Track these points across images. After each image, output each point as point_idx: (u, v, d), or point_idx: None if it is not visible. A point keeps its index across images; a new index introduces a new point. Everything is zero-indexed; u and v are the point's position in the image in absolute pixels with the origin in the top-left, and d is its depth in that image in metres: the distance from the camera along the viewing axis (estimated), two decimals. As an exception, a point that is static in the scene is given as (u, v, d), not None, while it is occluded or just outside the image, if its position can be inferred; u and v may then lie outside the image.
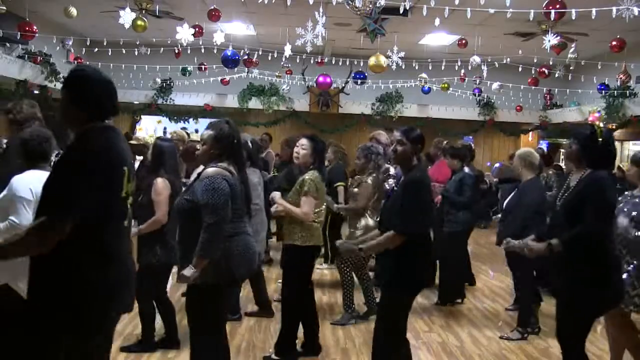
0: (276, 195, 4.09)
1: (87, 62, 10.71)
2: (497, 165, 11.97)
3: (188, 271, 2.86)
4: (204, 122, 12.87)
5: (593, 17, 5.37)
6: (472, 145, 6.66)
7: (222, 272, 2.95)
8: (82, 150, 2.06)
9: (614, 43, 7.47)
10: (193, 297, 3.06)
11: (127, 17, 7.11)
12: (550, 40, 6.82)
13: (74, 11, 7.54)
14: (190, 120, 12.69)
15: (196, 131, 12.49)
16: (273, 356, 4.06)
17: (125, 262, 2.27)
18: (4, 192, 2.98)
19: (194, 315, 3.07)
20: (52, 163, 3.40)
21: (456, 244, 5.73)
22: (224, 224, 2.90)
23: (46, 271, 2.06)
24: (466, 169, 5.78)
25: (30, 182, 2.98)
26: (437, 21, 6.21)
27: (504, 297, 6.21)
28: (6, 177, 3.54)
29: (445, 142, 6.72)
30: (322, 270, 6.89)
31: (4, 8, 6.95)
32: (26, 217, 2.89)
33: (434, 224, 6.34)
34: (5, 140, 5.01)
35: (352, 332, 4.74)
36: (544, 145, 11.94)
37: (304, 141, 4.08)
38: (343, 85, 11.94)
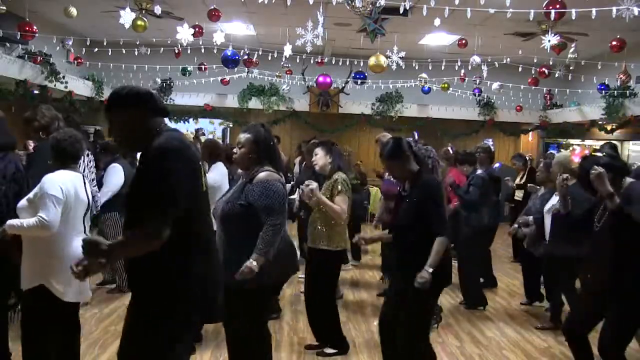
0: (314, 185, 3.96)
1: (87, 62, 10.74)
2: (497, 165, 11.98)
3: (251, 263, 2.85)
4: (203, 122, 12.89)
5: (593, 17, 5.36)
6: (492, 147, 6.54)
7: (275, 272, 2.99)
8: (167, 151, 2.13)
9: (614, 43, 7.46)
10: (242, 300, 2.99)
11: (127, 17, 7.09)
12: (550, 40, 6.82)
13: (74, 11, 7.53)
14: (190, 120, 12.69)
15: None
16: (327, 350, 4.18)
17: (216, 255, 2.40)
18: (35, 190, 3.03)
19: (244, 319, 3.04)
20: (80, 165, 3.44)
21: (471, 246, 5.67)
22: (283, 226, 2.97)
23: (142, 263, 2.16)
24: (478, 171, 5.79)
25: (61, 181, 3.04)
26: (437, 21, 6.20)
27: (504, 297, 6.21)
28: (34, 179, 3.57)
29: (449, 149, 6.70)
30: (351, 270, 6.97)
31: (4, 8, 6.94)
32: (55, 214, 2.95)
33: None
34: (33, 144, 5.04)
35: (352, 333, 4.74)
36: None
37: (317, 149, 4.25)
38: (343, 85, 11.93)
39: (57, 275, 2.99)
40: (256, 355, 3.15)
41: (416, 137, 8.30)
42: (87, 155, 4.82)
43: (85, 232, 3.22)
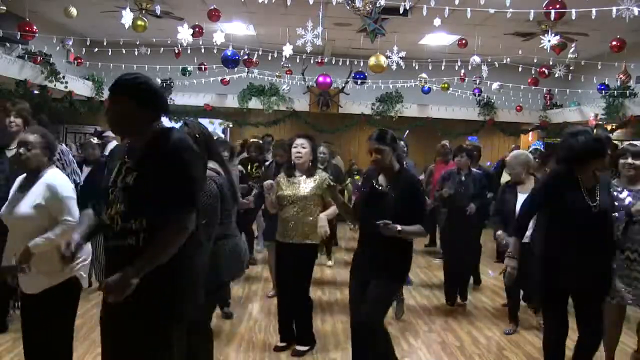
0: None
1: (87, 62, 10.74)
2: (496, 165, 11.99)
3: None
4: (203, 123, 12.88)
5: (593, 17, 5.37)
6: (480, 144, 6.68)
7: (210, 275, 2.83)
8: (176, 148, 2.16)
9: (614, 43, 7.46)
10: None
11: (127, 17, 7.10)
12: (550, 40, 6.82)
13: (74, 11, 7.54)
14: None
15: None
16: (300, 347, 4.15)
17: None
18: (44, 195, 2.87)
19: None
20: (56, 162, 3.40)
21: (476, 245, 5.87)
22: (211, 227, 2.81)
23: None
24: (473, 169, 5.81)
25: (67, 180, 3.03)
26: (437, 21, 6.21)
27: (503, 296, 6.20)
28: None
29: (447, 143, 6.68)
30: (325, 268, 6.95)
31: (4, 8, 6.94)
32: (76, 213, 2.91)
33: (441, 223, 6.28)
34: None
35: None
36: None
37: (303, 141, 4.06)
38: (343, 85, 11.93)
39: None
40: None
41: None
42: (69, 155, 4.77)
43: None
